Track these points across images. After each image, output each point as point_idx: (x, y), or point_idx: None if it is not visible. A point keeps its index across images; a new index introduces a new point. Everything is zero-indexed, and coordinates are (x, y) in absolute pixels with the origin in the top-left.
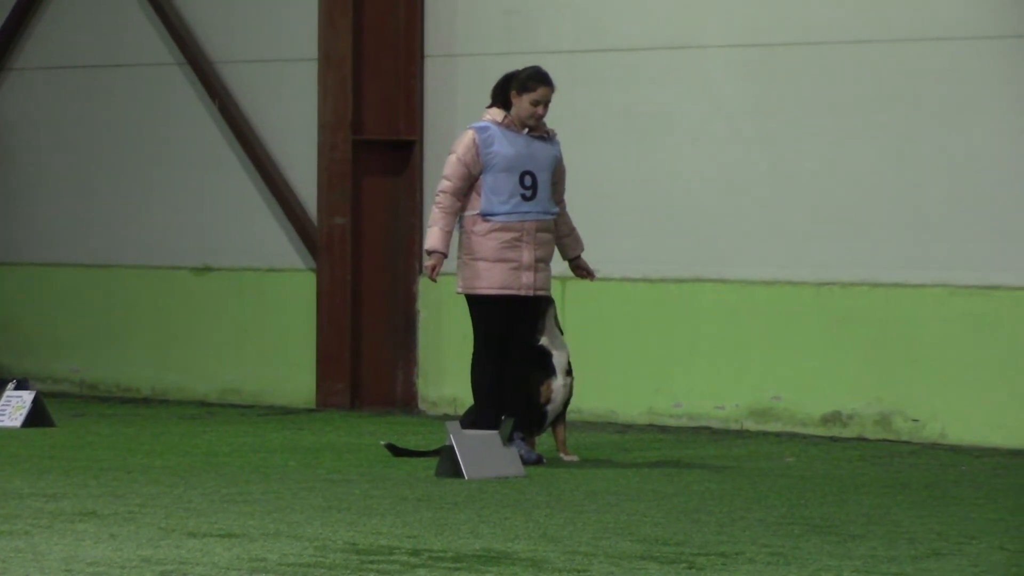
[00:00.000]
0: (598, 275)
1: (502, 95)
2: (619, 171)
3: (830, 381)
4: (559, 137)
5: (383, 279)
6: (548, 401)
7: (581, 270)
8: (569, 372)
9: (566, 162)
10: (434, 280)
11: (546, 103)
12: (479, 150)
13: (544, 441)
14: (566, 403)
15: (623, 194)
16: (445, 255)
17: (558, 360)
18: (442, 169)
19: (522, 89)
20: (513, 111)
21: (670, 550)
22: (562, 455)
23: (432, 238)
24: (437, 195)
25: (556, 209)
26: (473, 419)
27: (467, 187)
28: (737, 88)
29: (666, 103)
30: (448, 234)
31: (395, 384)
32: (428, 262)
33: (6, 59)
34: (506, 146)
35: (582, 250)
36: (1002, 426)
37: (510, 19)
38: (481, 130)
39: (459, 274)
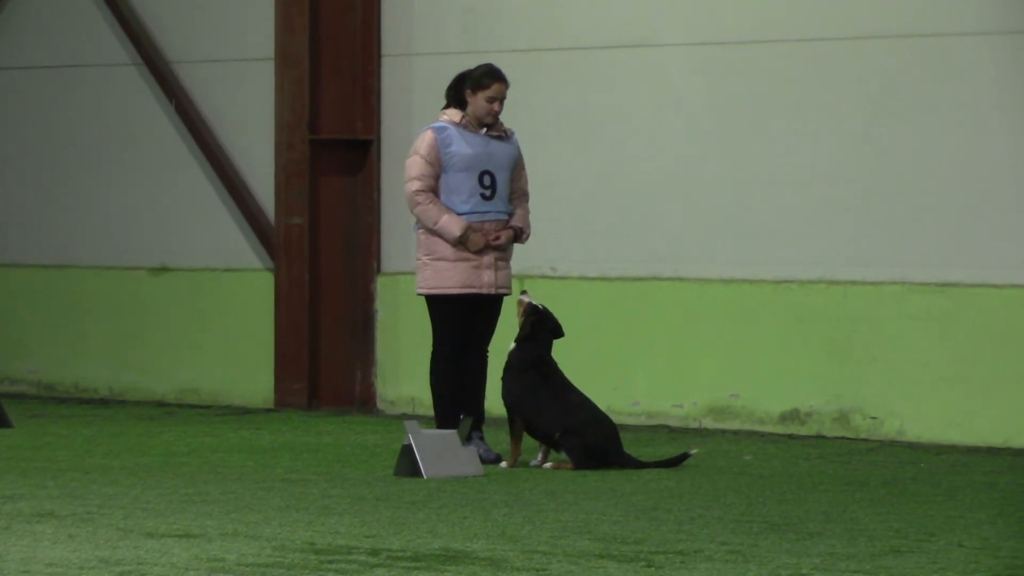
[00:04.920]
0: (556, 273)
1: (456, 95)
2: (577, 170)
3: (788, 379)
4: (516, 136)
5: (341, 279)
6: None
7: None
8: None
9: (526, 160)
10: (502, 240)
11: (501, 99)
12: (439, 150)
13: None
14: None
15: (581, 193)
16: (470, 225)
17: None
18: (402, 170)
19: (477, 87)
20: (469, 110)
21: (628, 548)
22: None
23: (452, 225)
24: (415, 196)
25: (514, 205)
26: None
27: (435, 185)
28: (695, 86)
29: (624, 102)
30: (455, 215)
31: (353, 383)
32: (474, 244)
33: None
34: (464, 146)
35: (520, 227)
36: (960, 423)
37: (467, 18)
38: (439, 130)
39: (419, 275)
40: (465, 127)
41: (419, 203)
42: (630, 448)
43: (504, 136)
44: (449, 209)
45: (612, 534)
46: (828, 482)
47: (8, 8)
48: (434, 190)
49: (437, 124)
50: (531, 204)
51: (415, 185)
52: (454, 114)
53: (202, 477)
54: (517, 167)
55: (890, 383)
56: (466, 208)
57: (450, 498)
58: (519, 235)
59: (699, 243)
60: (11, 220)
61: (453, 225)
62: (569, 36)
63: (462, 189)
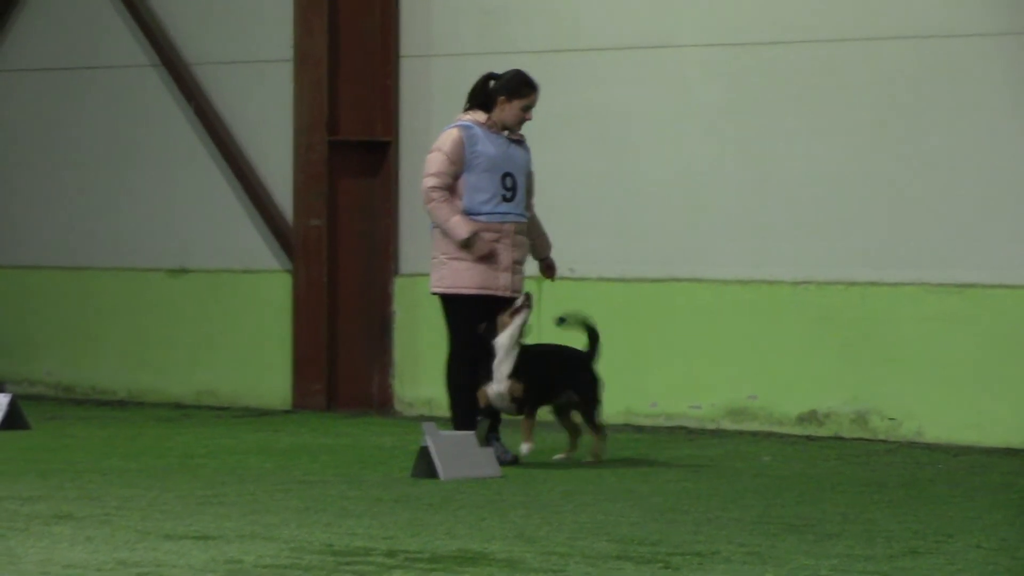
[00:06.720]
0: (573, 274)
1: (483, 98)
2: (595, 170)
3: (806, 380)
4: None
5: (359, 280)
6: (487, 405)
7: (549, 270)
8: (514, 376)
9: (542, 161)
10: (495, 256)
11: (533, 108)
12: (465, 148)
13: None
14: (515, 400)
15: (599, 194)
16: (478, 232)
17: (497, 367)
18: (423, 168)
19: (513, 95)
20: (497, 114)
21: (646, 550)
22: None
23: (461, 227)
24: (430, 192)
25: (528, 213)
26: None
27: (452, 184)
28: (712, 87)
29: (641, 103)
30: (467, 217)
31: (371, 385)
32: (479, 249)
33: None
34: (489, 147)
35: (551, 250)
36: (978, 424)
37: (485, 19)
38: (465, 128)
39: (434, 274)
40: (489, 128)
41: (433, 199)
42: (649, 451)
43: (521, 141)
44: (461, 211)
45: (630, 535)
46: (846, 483)
47: (26, 9)
48: (450, 188)
49: (463, 123)
50: (549, 205)
51: (432, 181)
52: (479, 115)
53: (220, 479)
54: (530, 174)
55: (908, 384)
56: (487, 208)
57: (467, 500)
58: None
59: (717, 244)
60: (29, 222)
61: (462, 227)
62: (586, 37)
63: (486, 189)
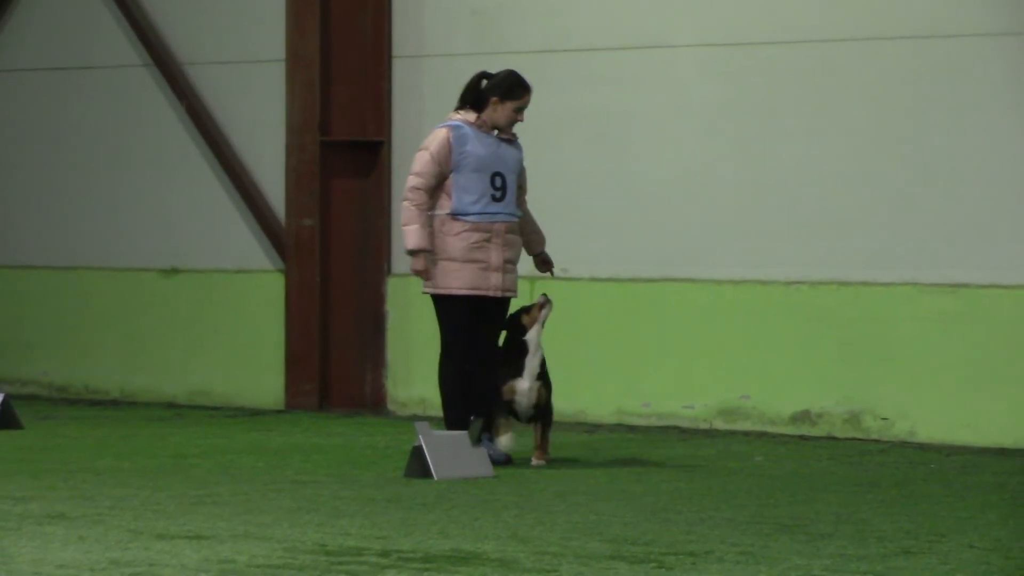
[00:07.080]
0: (567, 274)
1: (474, 97)
2: (589, 171)
3: (799, 380)
4: (520, 141)
5: (351, 280)
6: (511, 400)
7: (545, 264)
8: (540, 378)
9: (537, 162)
10: (428, 279)
11: (525, 109)
12: (452, 148)
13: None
14: (539, 407)
15: (593, 194)
16: (430, 251)
17: (529, 363)
18: (411, 168)
19: (507, 96)
20: (489, 115)
21: (639, 550)
22: (532, 459)
23: (414, 237)
24: (409, 192)
25: (520, 212)
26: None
27: (437, 185)
28: (706, 88)
29: (635, 103)
30: (427, 231)
31: (364, 385)
32: (416, 264)
33: None
34: (478, 146)
35: (545, 244)
36: (971, 424)
37: (478, 19)
38: (454, 128)
39: None
40: (479, 128)
41: (408, 199)
42: (642, 451)
43: (512, 139)
44: (426, 220)
45: (623, 535)
46: (839, 483)
47: (18, 9)
48: (435, 188)
49: (452, 123)
50: (542, 206)
51: (414, 181)
52: (469, 114)
53: (213, 478)
54: (522, 172)
55: (901, 384)
56: (477, 208)
57: (460, 499)
58: (550, 264)
59: (710, 244)
60: (22, 222)
61: (411, 238)
62: (579, 38)
63: (474, 189)
